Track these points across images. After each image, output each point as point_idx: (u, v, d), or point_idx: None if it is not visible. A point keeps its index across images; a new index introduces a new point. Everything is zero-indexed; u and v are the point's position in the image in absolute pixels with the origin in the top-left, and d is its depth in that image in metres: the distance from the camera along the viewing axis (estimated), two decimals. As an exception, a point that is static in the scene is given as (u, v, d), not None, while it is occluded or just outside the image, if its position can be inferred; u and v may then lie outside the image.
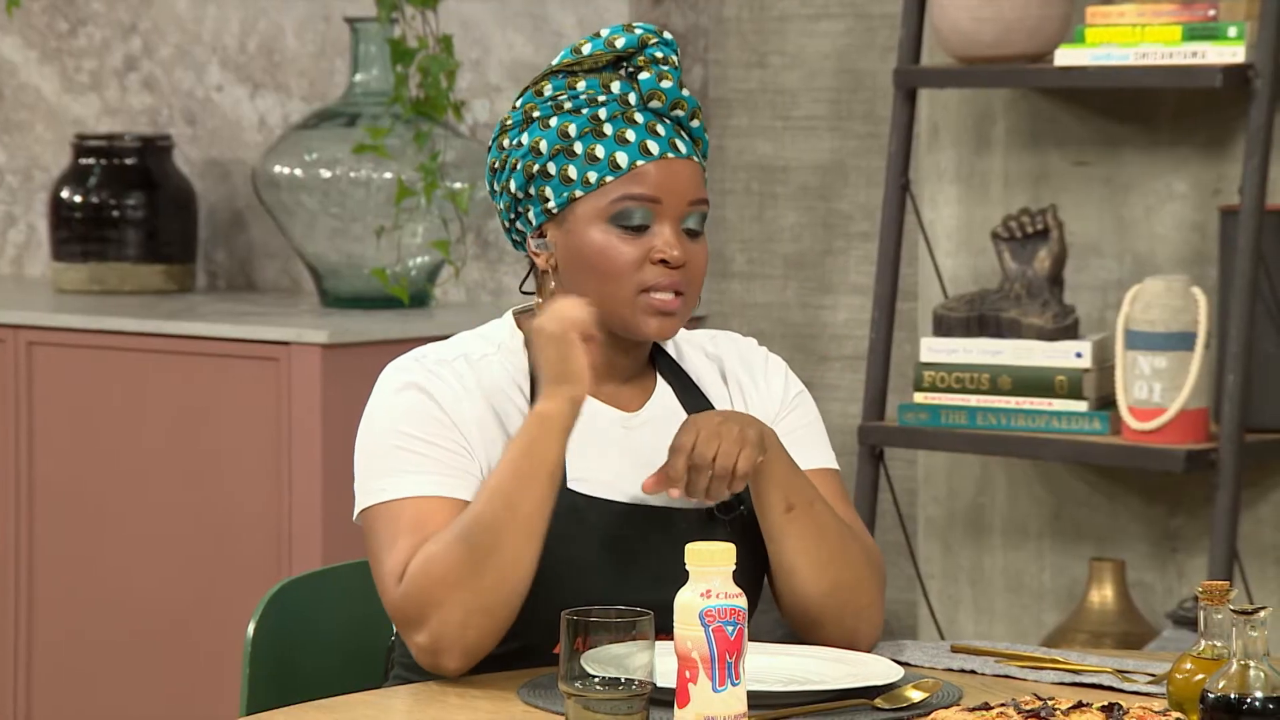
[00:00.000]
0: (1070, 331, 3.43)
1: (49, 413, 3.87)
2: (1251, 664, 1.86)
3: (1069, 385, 3.39)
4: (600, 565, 2.17)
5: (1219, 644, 1.96)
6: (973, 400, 3.44)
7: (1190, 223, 3.52)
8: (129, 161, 4.18)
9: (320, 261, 3.93)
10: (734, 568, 1.90)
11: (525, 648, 2.18)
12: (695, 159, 2.23)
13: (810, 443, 2.31)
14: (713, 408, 2.28)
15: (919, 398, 3.48)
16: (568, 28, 4.00)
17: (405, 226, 3.85)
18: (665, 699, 1.93)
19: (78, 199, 4.18)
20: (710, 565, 1.89)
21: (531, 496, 2.12)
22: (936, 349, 3.48)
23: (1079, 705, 1.91)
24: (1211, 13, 3.30)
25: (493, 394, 2.22)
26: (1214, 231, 3.46)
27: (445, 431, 2.18)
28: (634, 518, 2.20)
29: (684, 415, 2.26)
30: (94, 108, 4.43)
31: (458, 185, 3.84)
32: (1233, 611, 1.87)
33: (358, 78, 3.93)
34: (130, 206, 4.17)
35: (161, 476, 3.76)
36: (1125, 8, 3.36)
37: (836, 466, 2.34)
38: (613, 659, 1.89)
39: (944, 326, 3.49)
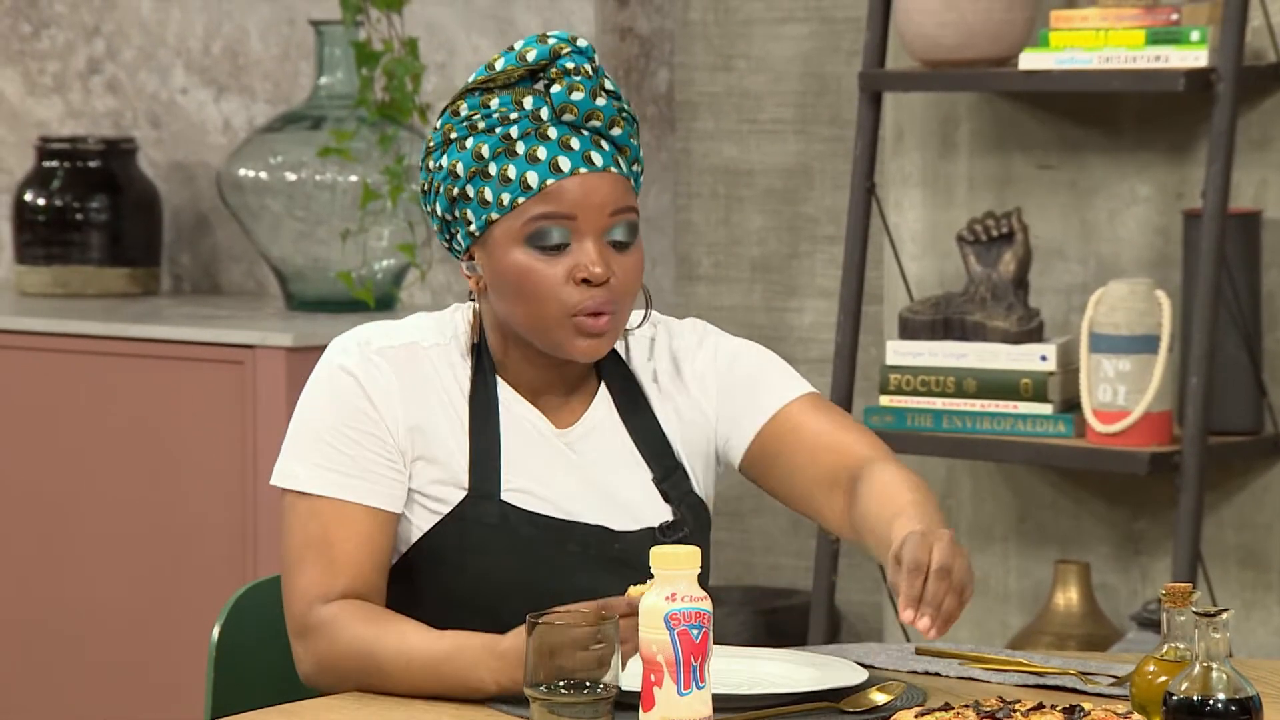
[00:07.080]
0: (1035, 334, 3.44)
1: (11, 416, 3.85)
2: (1214, 666, 1.87)
3: (1034, 388, 3.40)
4: (529, 581, 2.14)
5: (1182, 646, 1.97)
6: (938, 403, 3.45)
7: (1154, 226, 3.53)
8: (93, 164, 4.17)
9: (285, 264, 3.93)
10: (699, 571, 1.89)
11: None
12: (615, 169, 2.15)
13: (766, 385, 2.23)
14: (653, 413, 2.23)
15: (885, 401, 3.49)
16: (533, 30, 4.00)
17: (370, 229, 3.85)
18: (630, 702, 1.93)
19: (41, 202, 4.16)
20: (676, 569, 1.88)
21: (439, 693, 2.07)
22: (902, 352, 3.48)
23: (1039, 706, 1.91)
24: (1174, 17, 3.31)
25: (432, 393, 2.17)
26: (1177, 235, 3.47)
27: (374, 431, 2.15)
28: (569, 535, 2.16)
29: (621, 426, 2.22)
30: (57, 110, 4.41)
31: (423, 188, 3.84)
32: (1195, 614, 1.87)
33: (322, 80, 3.92)
34: (94, 209, 4.15)
35: (125, 480, 3.75)
36: (1089, 12, 3.36)
37: (800, 393, 2.23)
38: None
39: (909, 330, 3.49)
